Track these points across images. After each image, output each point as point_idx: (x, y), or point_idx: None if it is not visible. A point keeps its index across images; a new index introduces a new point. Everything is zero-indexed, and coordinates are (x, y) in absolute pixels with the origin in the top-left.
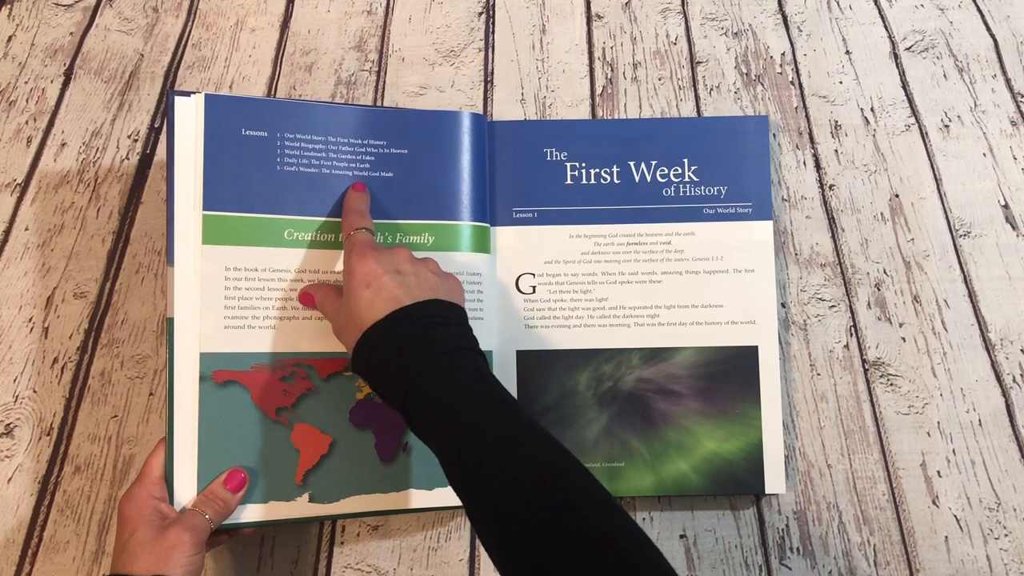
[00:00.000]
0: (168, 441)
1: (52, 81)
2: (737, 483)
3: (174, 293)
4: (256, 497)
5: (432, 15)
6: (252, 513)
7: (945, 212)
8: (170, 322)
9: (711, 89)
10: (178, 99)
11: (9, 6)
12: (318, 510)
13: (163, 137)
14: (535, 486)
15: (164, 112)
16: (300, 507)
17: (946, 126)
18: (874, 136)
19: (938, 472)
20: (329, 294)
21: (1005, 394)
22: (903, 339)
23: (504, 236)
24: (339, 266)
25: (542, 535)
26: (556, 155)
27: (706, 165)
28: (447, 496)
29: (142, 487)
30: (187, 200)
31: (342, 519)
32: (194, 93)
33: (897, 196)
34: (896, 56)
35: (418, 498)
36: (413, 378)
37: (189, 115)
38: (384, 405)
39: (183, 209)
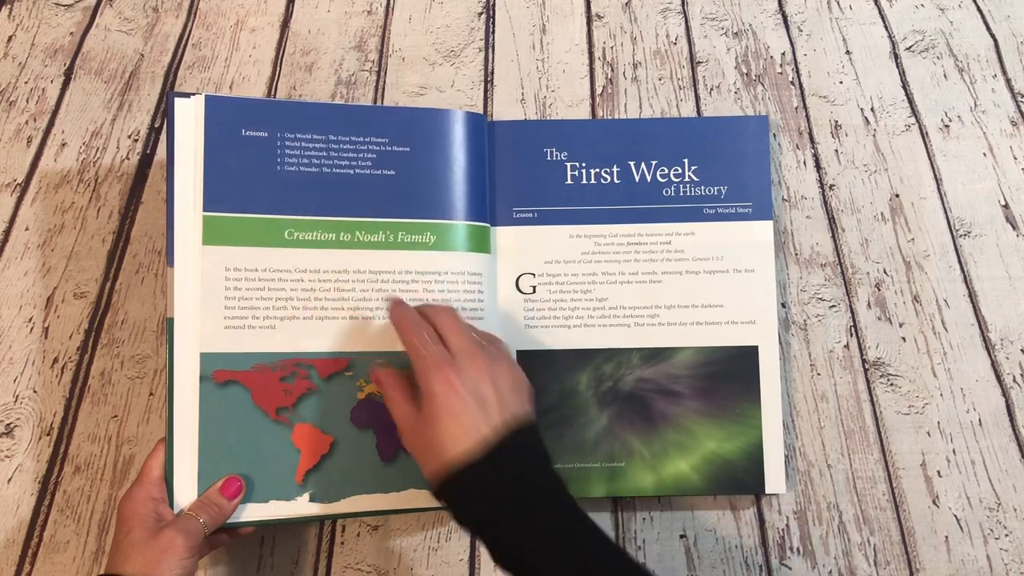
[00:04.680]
0: (168, 441)
1: (52, 81)
2: (737, 483)
3: (174, 293)
4: (256, 496)
5: (432, 15)
6: (252, 512)
7: (945, 212)
8: (170, 322)
9: (711, 89)
10: (178, 100)
11: (9, 6)
12: (318, 510)
13: (163, 137)
14: None
15: (164, 112)
16: (300, 507)
17: (946, 126)
18: (874, 136)
19: (938, 472)
20: (401, 395)
21: (1005, 394)
22: (903, 339)
23: (504, 236)
24: (339, 265)
25: None
26: (556, 155)
27: (706, 165)
28: None
29: (141, 488)
30: (187, 201)
31: (342, 519)
32: (194, 94)
33: (897, 196)
34: (896, 56)
35: (418, 498)
36: (506, 524)
37: (189, 116)
38: (385, 405)
39: (183, 210)
